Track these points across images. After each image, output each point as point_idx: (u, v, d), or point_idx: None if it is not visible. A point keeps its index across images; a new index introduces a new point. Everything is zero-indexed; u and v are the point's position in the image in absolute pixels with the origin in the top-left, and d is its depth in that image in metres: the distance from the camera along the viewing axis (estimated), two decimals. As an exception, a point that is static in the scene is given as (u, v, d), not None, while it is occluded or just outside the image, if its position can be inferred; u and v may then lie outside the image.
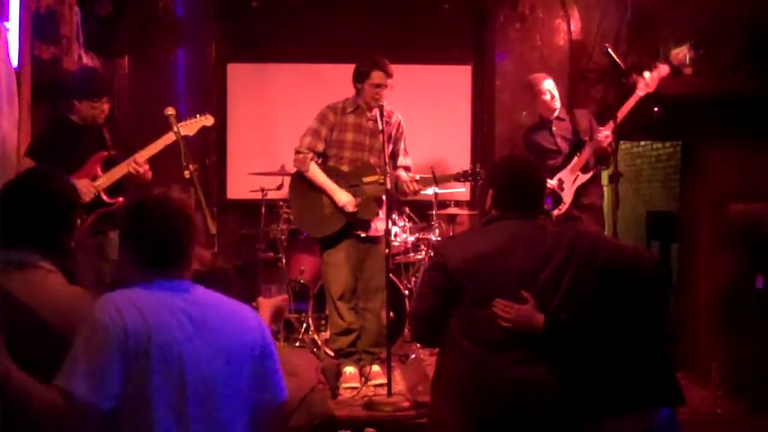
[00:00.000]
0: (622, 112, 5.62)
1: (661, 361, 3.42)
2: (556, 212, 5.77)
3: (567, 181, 5.80)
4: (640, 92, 5.60)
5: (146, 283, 2.43)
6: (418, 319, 3.46)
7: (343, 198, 5.23)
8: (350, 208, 5.22)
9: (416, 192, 5.39)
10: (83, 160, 4.96)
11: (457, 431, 3.21)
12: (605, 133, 5.65)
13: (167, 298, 2.40)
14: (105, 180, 4.95)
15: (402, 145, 5.44)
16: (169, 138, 4.92)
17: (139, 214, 2.53)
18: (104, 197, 4.94)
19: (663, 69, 5.58)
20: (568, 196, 5.79)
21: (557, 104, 5.89)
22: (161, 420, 2.27)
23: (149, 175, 5.03)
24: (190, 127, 5.10)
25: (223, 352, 2.41)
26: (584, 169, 5.79)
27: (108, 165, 5.01)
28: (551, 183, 5.78)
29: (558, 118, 5.91)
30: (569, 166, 5.80)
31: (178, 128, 4.71)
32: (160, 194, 2.57)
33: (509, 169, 3.44)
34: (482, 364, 3.18)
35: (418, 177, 5.34)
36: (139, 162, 4.93)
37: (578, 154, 5.79)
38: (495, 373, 3.15)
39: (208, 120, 5.19)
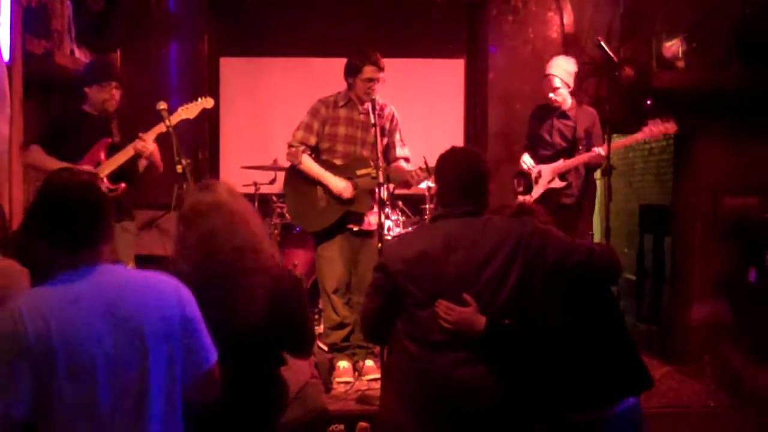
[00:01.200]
0: (617, 145, 5.55)
1: (624, 349, 3.40)
2: (520, 198, 5.74)
3: (543, 178, 5.78)
4: (643, 136, 5.52)
5: (61, 274, 2.40)
6: (366, 319, 3.47)
7: (339, 185, 5.22)
8: (347, 194, 5.21)
9: (419, 182, 5.40)
10: (88, 148, 4.98)
11: (403, 430, 3.22)
12: (600, 152, 5.49)
13: (74, 292, 2.37)
14: (108, 166, 4.96)
15: (397, 136, 5.43)
16: (177, 116, 4.96)
17: (40, 198, 2.53)
18: (107, 183, 4.95)
19: (672, 127, 5.44)
20: (537, 191, 5.76)
21: (560, 99, 5.75)
22: (77, 419, 2.28)
23: (158, 160, 5.05)
24: (190, 110, 5.14)
25: (138, 333, 2.38)
26: (562, 177, 5.72)
27: (112, 152, 5.03)
28: (531, 168, 5.79)
29: (564, 113, 5.80)
30: (553, 166, 5.74)
31: (170, 122, 4.73)
32: (65, 176, 2.56)
33: (450, 163, 3.39)
34: (424, 364, 3.17)
35: (421, 167, 5.34)
36: (145, 139, 4.92)
37: (566, 158, 5.72)
38: (437, 373, 3.14)
39: (209, 102, 5.22)
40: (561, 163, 5.72)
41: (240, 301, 2.98)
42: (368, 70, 5.16)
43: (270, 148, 6.80)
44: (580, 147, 5.70)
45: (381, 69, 5.17)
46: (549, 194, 5.73)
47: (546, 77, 5.77)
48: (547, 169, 5.76)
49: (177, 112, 5.03)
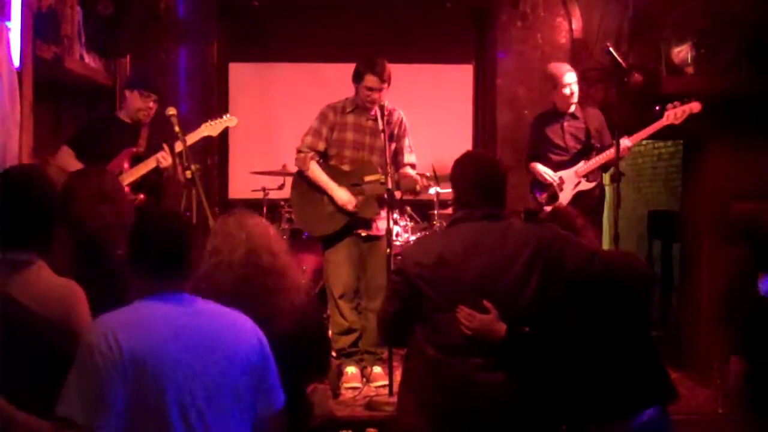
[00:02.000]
0: (641, 136, 5.53)
1: (650, 360, 3.40)
2: (547, 209, 5.52)
3: (568, 183, 5.70)
4: (666, 121, 5.41)
5: (145, 298, 2.45)
6: (384, 322, 3.48)
7: (344, 197, 5.23)
8: (350, 208, 5.22)
9: (426, 189, 5.40)
10: (114, 155, 5.03)
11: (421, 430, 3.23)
12: (627, 144, 5.43)
13: (164, 313, 2.42)
14: (130, 175, 5.01)
15: (406, 142, 5.43)
16: (199, 133, 5.00)
17: (142, 227, 2.59)
18: (128, 192, 5.01)
19: (695, 106, 5.37)
20: (565, 197, 5.68)
21: (575, 100, 5.75)
22: None
23: (180, 176, 5.08)
24: (214, 127, 5.23)
25: (220, 363, 2.41)
26: (589, 177, 5.67)
27: (136, 162, 5.08)
28: (552, 178, 5.71)
29: (572, 114, 5.78)
30: (575, 168, 5.69)
31: (180, 129, 4.79)
32: (164, 209, 2.61)
33: (467, 166, 3.40)
34: (443, 368, 3.18)
35: (428, 174, 5.32)
36: (167, 150, 4.96)
37: (586, 159, 5.67)
38: (455, 378, 3.15)
39: (232, 121, 5.34)
40: (583, 165, 5.67)
41: (270, 320, 2.93)
42: (369, 79, 5.17)
43: (279, 153, 6.81)
44: (597, 146, 5.66)
45: (383, 80, 5.15)
46: (578, 198, 5.65)
47: (558, 84, 5.73)
48: (569, 174, 5.70)
49: (200, 129, 5.10)
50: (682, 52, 6.05)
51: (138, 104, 5.18)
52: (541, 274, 3.13)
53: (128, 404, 2.25)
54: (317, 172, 5.30)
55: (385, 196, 4.98)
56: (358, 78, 5.23)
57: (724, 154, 5.94)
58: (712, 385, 5.19)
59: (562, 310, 3.17)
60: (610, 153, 5.51)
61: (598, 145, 5.66)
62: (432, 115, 7.33)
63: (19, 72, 4.71)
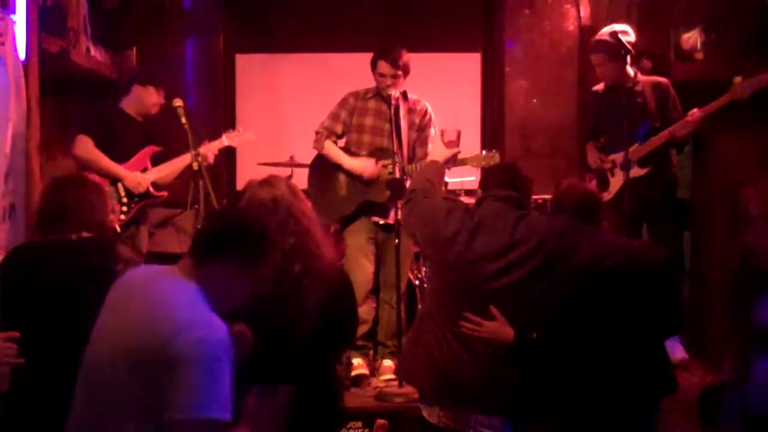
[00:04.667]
0: (708, 110, 5.07)
1: (657, 353, 3.38)
2: (605, 195, 5.14)
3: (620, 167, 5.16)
4: (734, 96, 4.94)
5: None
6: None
7: (360, 164, 5.21)
8: (369, 172, 5.19)
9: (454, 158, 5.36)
10: (131, 152, 5.09)
11: (416, 379, 3.44)
12: (696, 116, 4.98)
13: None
14: (155, 174, 5.08)
15: (430, 132, 5.41)
16: (220, 143, 5.17)
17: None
18: (152, 190, 5.05)
19: (765, 79, 4.87)
20: (615, 185, 5.27)
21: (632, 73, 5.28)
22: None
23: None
24: (234, 139, 5.31)
25: (123, 345, 2.32)
26: (642, 164, 5.15)
27: (156, 160, 5.14)
28: (600, 162, 5.33)
29: (630, 90, 5.23)
30: (629, 150, 5.03)
31: (187, 120, 4.82)
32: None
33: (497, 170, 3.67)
34: (444, 330, 3.25)
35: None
36: (203, 154, 5.06)
37: (640, 141, 5.12)
38: (454, 339, 3.21)
39: (251, 135, 5.34)
40: (637, 147, 5.13)
41: (291, 312, 2.84)
42: (381, 65, 5.17)
43: (286, 144, 6.78)
44: (656, 125, 5.18)
45: (395, 67, 5.14)
46: (635, 186, 5.04)
47: (625, 53, 5.19)
48: (622, 157, 5.07)
49: (221, 139, 5.36)
50: (691, 38, 6.00)
51: (153, 99, 5.22)
52: (539, 264, 3.13)
53: None
54: (331, 149, 5.32)
55: (392, 183, 4.94)
56: (373, 64, 5.25)
57: (734, 141, 5.89)
58: (723, 373, 5.16)
59: (570, 307, 3.15)
60: (664, 133, 5.07)
61: (658, 124, 5.19)
62: (440, 104, 7.25)
63: (25, 65, 4.70)
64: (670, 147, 5.32)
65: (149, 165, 5.20)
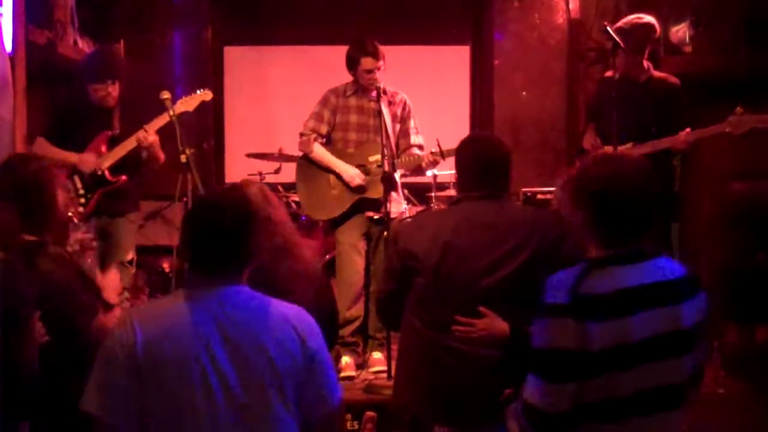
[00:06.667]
0: (699, 135, 4.88)
1: None
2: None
3: None
4: (729, 128, 4.77)
5: (181, 291, 2.39)
6: (379, 301, 3.51)
7: (350, 171, 5.20)
8: (357, 180, 5.19)
9: (433, 165, 5.35)
10: (90, 140, 5.00)
11: (413, 406, 3.29)
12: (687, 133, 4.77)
13: (197, 308, 2.31)
14: (109, 158, 5.00)
15: (411, 123, 5.39)
16: (175, 110, 4.96)
17: (188, 215, 2.52)
18: (108, 175, 4.98)
19: (766, 120, 4.70)
20: None
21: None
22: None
23: (159, 152, 5.10)
24: (189, 102, 5.14)
25: (256, 361, 2.29)
26: None
27: (113, 144, 5.07)
28: (595, 146, 5.07)
29: (636, 85, 5.02)
30: (624, 147, 4.83)
31: (174, 112, 4.75)
32: (218, 191, 2.51)
33: (469, 148, 3.38)
34: (432, 342, 3.18)
35: (433, 150, 5.28)
36: (148, 130, 4.94)
37: (636, 141, 4.88)
38: (443, 350, 3.14)
39: (207, 95, 5.23)
40: (629, 147, 4.85)
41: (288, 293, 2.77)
42: (365, 62, 5.13)
43: (275, 137, 6.77)
44: (653, 129, 4.92)
45: (378, 58, 5.12)
46: None
47: (649, 41, 5.00)
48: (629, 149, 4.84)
49: (176, 105, 5.02)
50: (680, 31, 6.01)
51: (98, 93, 5.12)
52: (532, 254, 3.10)
53: (143, 400, 2.21)
54: (321, 152, 5.27)
55: (383, 177, 4.94)
56: (353, 64, 5.19)
57: (723, 133, 5.91)
58: (712, 366, 5.18)
59: None
60: (663, 141, 4.84)
61: (654, 129, 4.92)
62: (429, 97, 7.29)
63: (12, 57, 4.69)
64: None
65: (104, 151, 5.09)
